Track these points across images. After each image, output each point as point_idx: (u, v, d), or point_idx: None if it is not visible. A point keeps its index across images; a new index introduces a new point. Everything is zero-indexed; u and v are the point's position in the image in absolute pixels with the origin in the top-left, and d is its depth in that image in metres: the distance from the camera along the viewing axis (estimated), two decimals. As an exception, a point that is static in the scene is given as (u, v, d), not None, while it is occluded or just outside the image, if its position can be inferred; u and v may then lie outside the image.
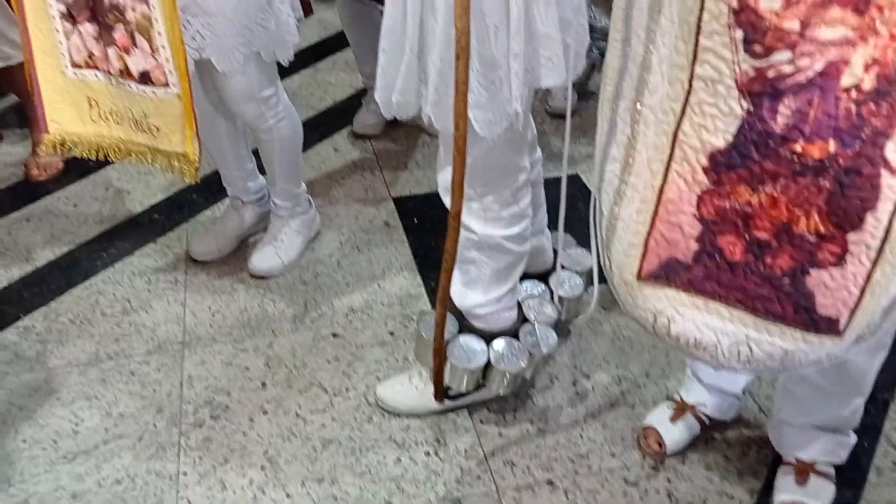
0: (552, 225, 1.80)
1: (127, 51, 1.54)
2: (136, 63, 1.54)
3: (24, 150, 2.61)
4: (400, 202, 2.43)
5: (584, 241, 1.65)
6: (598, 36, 2.92)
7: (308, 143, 2.12)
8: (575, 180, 2.47)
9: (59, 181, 2.50)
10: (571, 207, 1.57)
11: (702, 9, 0.92)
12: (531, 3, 1.25)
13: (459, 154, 1.29)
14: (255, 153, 2.12)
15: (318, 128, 2.76)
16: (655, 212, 1.04)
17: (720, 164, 0.98)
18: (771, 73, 0.91)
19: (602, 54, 2.90)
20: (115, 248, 2.23)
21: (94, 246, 2.24)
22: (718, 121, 0.96)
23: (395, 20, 1.31)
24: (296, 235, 2.18)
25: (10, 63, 2.33)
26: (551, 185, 1.75)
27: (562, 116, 2.75)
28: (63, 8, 1.55)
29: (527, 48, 1.29)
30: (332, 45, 3.32)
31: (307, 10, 1.93)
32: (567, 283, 1.79)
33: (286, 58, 1.84)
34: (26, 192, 2.46)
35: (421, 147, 2.69)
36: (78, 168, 2.51)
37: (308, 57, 3.19)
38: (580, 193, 2.25)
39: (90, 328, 1.96)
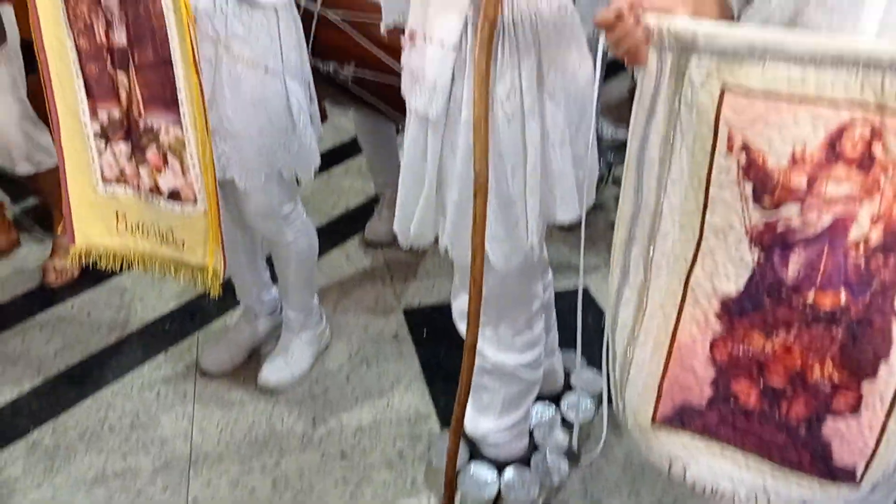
0: (562, 342, 1.81)
1: (159, 170, 1.57)
2: (167, 181, 1.58)
3: (41, 254, 2.65)
4: (410, 313, 2.44)
5: (592, 359, 1.64)
6: (606, 147, 2.97)
7: (320, 250, 2.14)
8: (583, 294, 2.48)
9: (73, 287, 2.53)
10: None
11: (711, 163, 0.95)
12: (547, 144, 1.30)
13: (476, 286, 1.31)
14: (269, 260, 2.15)
15: (330, 235, 2.79)
16: (669, 355, 1.05)
17: (733, 311, 1.00)
18: (780, 226, 0.94)
19: (610, 167, 2.96)
20: (126, 357, 2.23)
21: (104, 356, 2.24)
22: (730, 268, 0.98)
23: (414, 158, 1.36)
24: (306, 348, 2.18)
25: (42, 169, 2.38)
26: (559, 299, 1.76)
27: (569, 228, 2.78)
28: (98, 128, 1.59)
29: (542, 186, 1.33)
30: (346, 150, 3.38)
31: (322, 116, 1.98)
32: (578, 407, 1.78)
33: (307, 177, 1.89)
34: (41, 297, 2.49)
35: (431, 256, 2.71)
36: (92, 274, 2.53)
37: (322, 162, 3.24)
38: (589, 308, 2.26)
39: (98, 443, 1.94)
